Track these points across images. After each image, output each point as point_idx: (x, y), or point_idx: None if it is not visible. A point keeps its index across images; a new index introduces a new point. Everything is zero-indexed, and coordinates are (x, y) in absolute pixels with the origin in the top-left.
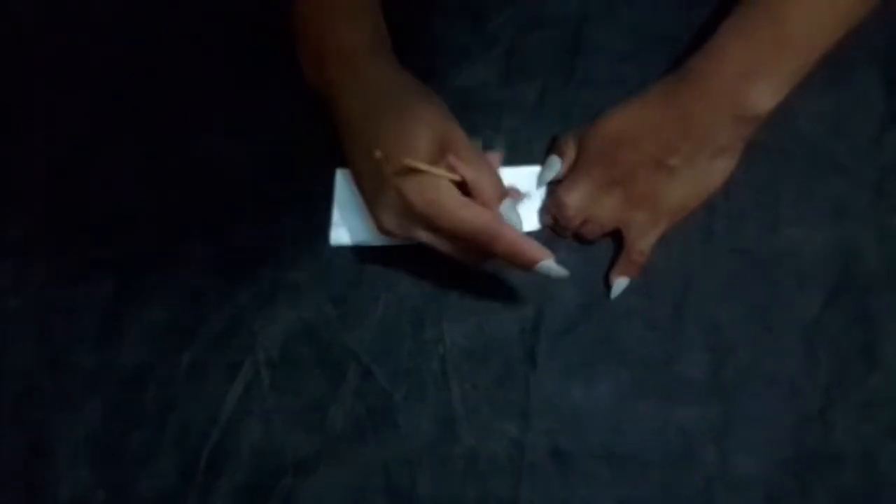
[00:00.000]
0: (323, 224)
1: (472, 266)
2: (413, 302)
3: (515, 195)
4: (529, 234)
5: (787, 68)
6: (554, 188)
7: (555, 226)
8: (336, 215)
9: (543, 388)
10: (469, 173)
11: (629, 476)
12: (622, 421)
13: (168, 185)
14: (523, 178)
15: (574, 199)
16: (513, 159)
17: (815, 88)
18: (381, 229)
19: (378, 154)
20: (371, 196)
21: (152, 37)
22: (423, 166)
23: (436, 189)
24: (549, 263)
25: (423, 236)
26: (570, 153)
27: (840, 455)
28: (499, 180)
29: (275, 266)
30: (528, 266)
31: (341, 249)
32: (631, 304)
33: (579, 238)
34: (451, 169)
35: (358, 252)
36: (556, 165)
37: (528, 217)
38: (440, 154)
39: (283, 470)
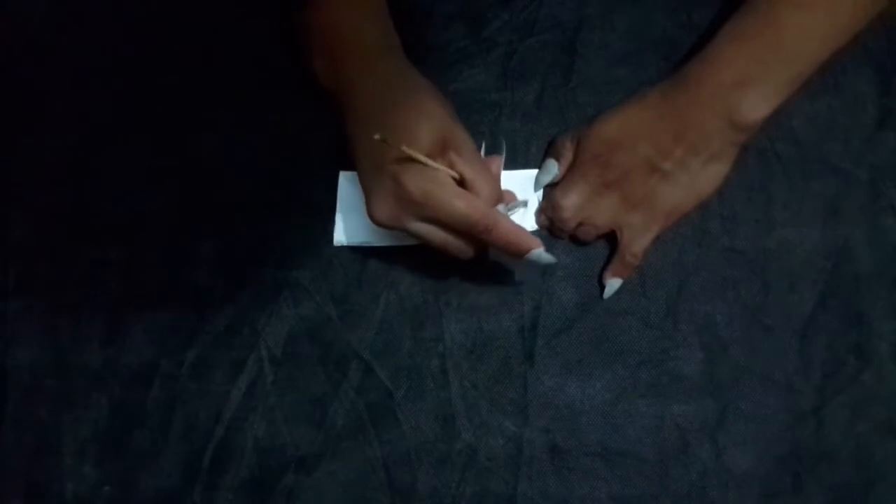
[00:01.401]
0: (325, 224)
1: (462, 258)
2: (413, 301)
3: (510, 198)
4: None
5: (782, 78)
6: (550, 190)
7: (551, 227)
8: (339, 216)
9: (541, 385)
10: (467, 172)
11: (625, 472)
12: (618, 418)
13: (172, 186)
14: (521, 182)
15: (570, 201)
16: (512, 161)
17: (808, 89)
18: (373, 219)
19: (378, 137)
20: (368, 184)
21: (156, 38)
22: (419, 156)
23: (432, 179)
24: (539, 252)
25: (416, 227)
26: (568, 155)
27: (834, 452)
28: (496, 183)
29: (278, 266)
30: (520, 255)
31: (342, 249)
32: (626, 303)
33: (575, 240)
34: (450, 166)
35: (359, 252)
36: (553, 169)
37: (525, 218)
38: (441, 150)
39: (286, 466)
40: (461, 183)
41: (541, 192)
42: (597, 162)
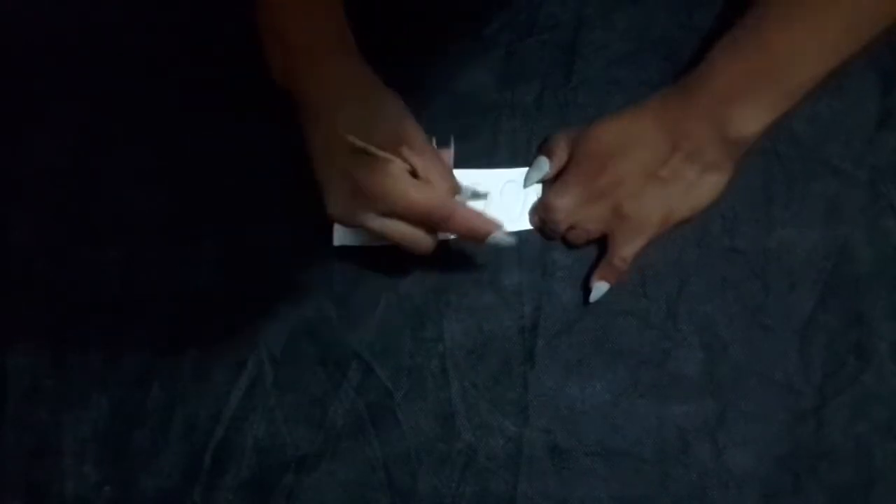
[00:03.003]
0: (325, 224)
1: (420, 252)
2: (413, 301)
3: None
4: (520, 233)
5: (773, 95)
6: (545, 191)
7: (543, 228)
8: None
9: (541, 385)
10: (420, 164)
11: (625, 472)
12: (618, 418)
13: (172, 186)
14: (519, 180)
15: (563, 203)
16: (512, 161)
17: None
18: (330, 216)
19: (346, 136)
20: (322, 181)
21: (156, 38)
22: (371, 148)
23: (386, 171)
24: (499, 235)
25: (372, 223)
26: (561, 155)
27: (834, 452)
28: (450, 174)
29: (278, 266)
30: (481, 240)
31: (343, 249)
32: (627, 304)
33: (566, 242)
34: (403, 160)
35: (359, 252)
36: (544, 167)
37: (520, 217)
38: (394, 145)
39: (286, 466)
40: (415, 176)
41: (538, 190)
42: (592, 166)
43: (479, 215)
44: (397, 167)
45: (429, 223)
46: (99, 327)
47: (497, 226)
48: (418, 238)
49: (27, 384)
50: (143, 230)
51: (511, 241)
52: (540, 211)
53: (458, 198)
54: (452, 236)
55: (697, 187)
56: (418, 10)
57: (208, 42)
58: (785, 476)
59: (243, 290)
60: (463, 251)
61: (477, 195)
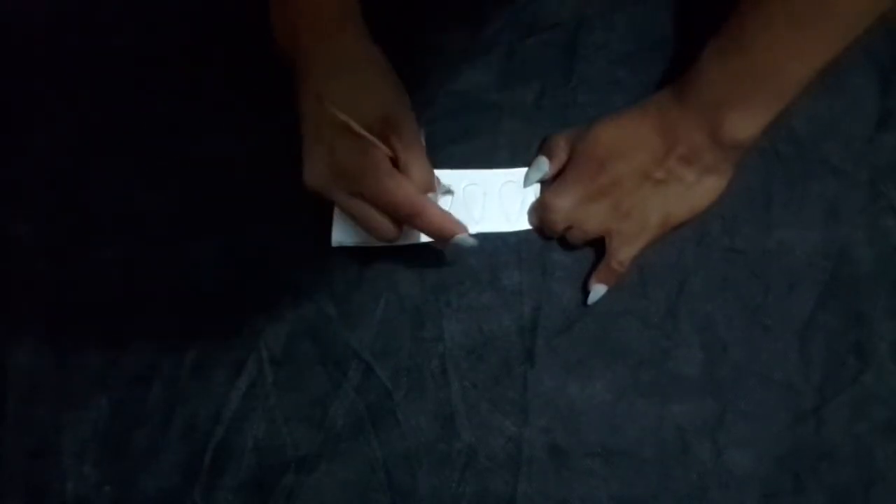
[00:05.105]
0: (325, 224)
1: (383, 238)
2: (413, 301)
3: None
4: (519, 232)
5: (761, 101)
6: (544, 191)
7: (541, 228)
8: (337, 216)
9: (541, 385)
10: (403, 154)
11: (625, 472)
12: (618, 418)
13: (172, 186)
14: (518, 179)
15: (561, 204)
16: (511, 161)
17: (809, 90)
18: (304, 183)
19: (326, 104)
20: (306, 148)
21: (157, 39)
22: (356, 126)
23: (367, 153)
24: (463, 237)
25: (343, 200)
26: (561, 155)
27: (834, 452)
28: (430, 171)
29: (278, 266)
30: (445, 240)
31: (342, 249)
32: (626, 303)
33: (563, 242)
34: (388, 146)
35: (359, 252)
36: (543, 167)
37: (519, 216)
38: (381, 129)
39: (286, 467)
40: (396, 165)
41: (536, 190)
42: (590, 167)
43: (446, 217)
44: (379, 153)
45: (396, 215)
46: (99, 327)
47: (463, 228)
48: (383, 226)
49: (27, 384)
50: (143, 230)
51: (474, 242)
52: (538, 210)
53: (430, 195)
54: (426, 239)
55: (695, 190)
56: (419, 9)
57: (209, 43)
58: (785, 476)
59: (243, 290)
60: (463, 251)
61: (448, 192)
